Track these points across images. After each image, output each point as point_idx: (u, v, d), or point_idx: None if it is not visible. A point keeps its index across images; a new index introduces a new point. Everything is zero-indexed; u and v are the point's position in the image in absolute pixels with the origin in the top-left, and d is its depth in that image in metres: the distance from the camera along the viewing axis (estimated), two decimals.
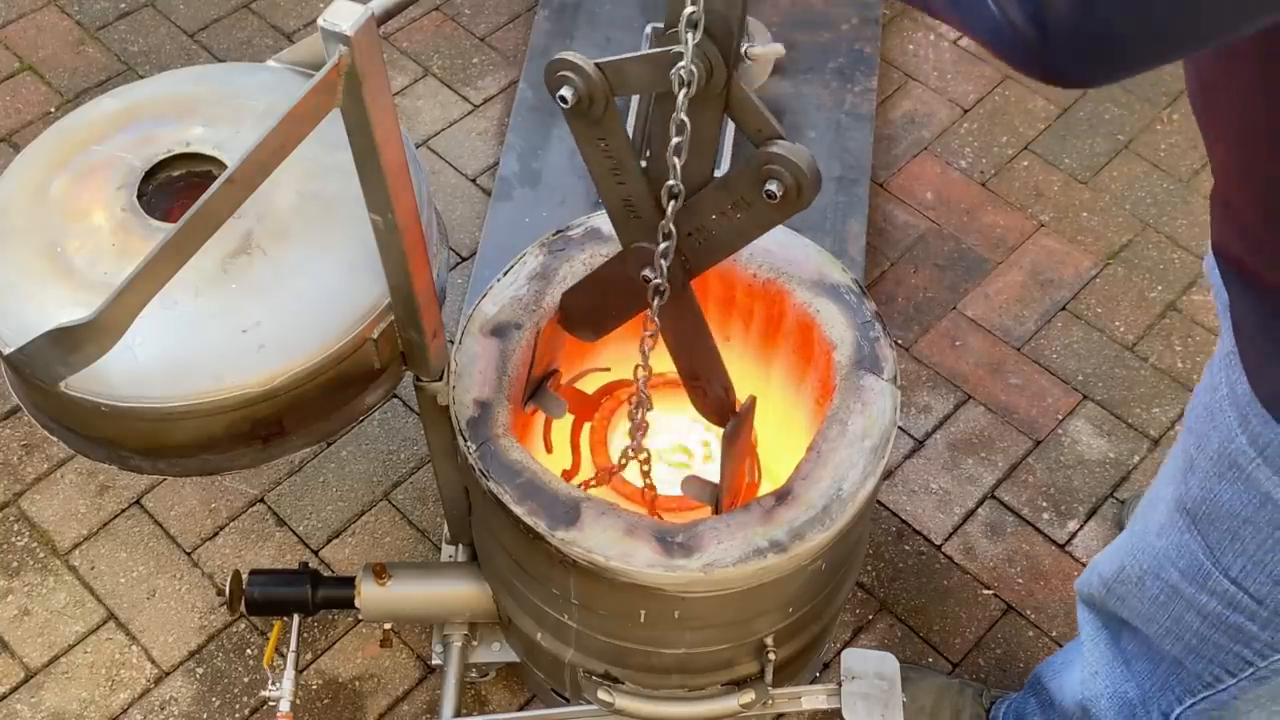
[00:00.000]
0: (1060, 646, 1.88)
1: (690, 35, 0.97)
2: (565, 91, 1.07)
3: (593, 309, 1.34)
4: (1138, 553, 1.29)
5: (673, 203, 1.11)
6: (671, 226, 1.13)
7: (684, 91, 1.01)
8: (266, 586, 1.65)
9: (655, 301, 1.21)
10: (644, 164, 1.14)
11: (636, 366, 1.28)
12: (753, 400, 1.38)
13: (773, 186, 1.04)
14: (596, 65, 1.05)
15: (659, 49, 1.01)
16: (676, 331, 1.27)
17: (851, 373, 1.41)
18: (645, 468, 1.40)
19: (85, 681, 1.90)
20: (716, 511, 1.37)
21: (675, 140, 1.05)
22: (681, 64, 0.99)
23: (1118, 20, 0.69)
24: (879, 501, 2.10)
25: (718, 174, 1.12)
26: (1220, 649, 1.20)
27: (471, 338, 1.44)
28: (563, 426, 1.58)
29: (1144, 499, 1.33)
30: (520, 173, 2.36)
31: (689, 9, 0.96)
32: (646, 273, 1.20)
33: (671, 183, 1.09)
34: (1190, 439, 1.14)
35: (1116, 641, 1.43)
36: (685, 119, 1.03)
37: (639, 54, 1.04)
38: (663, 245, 1.15)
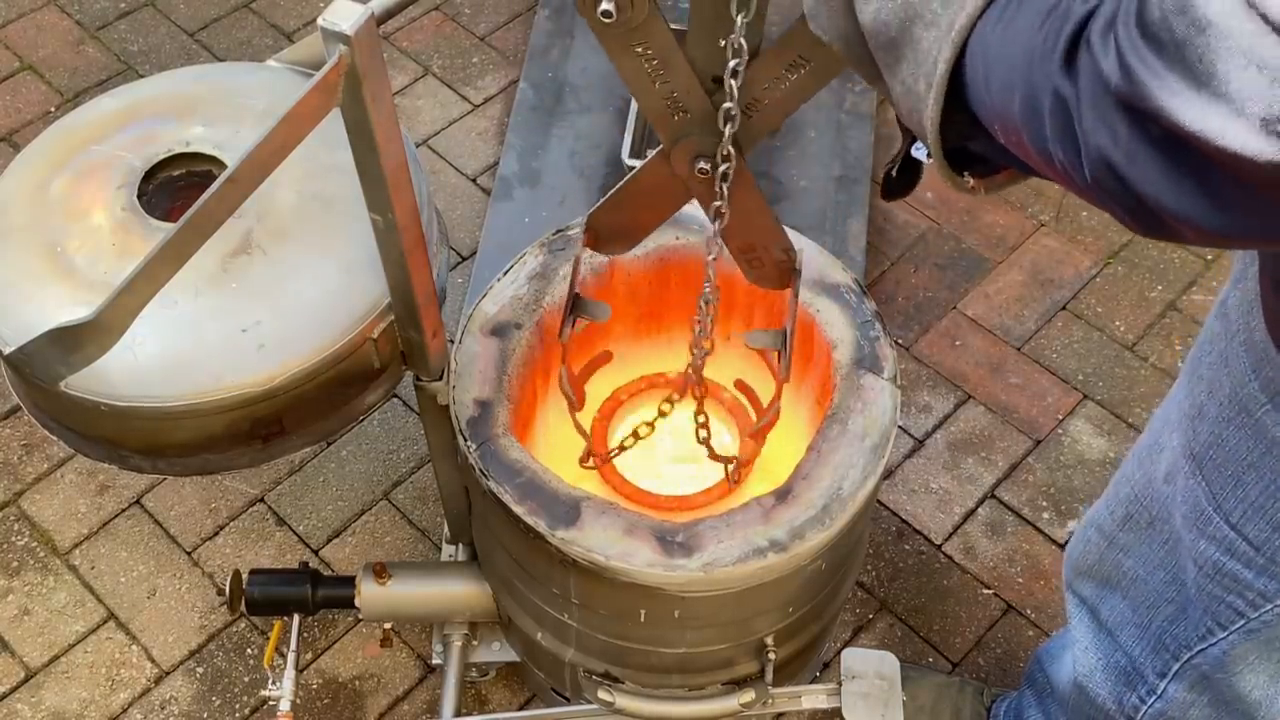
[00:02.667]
0: None
1: None
2: (606, 6, 1.04)
3: (625, 220, 1.33)
4: (1146, 499, 1.29)
5: (735, 61, 1.07)
6: (734, 84, 1.09)
7: None
8: (266, 586, 1.65)
9: (723, 185, 1.18)
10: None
11: (709, 240, 1.24)
12: (800, 253, 1.37)
13: None
14: None
15: None
16: (733, 209, 1.25)
17: (851, 372, 1.41)
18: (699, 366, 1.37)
19: (85, 681, 1.90)
20: (785, 351, 1.36)
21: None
22: None
23: None
24: (879, 501, 2.10)
25: None
26: (1214, 599, 1.21)
27: (471, 337, 1.44)
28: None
29: (1139, 448, 1.33)
30: (520, 172, 2.36)
31: None
32: (702, 165, 1.18)
33: (734, 35, 1.05)
34: (1200, 386, 1.15)
35: (1098, 615, 1.43)
36: None
37: None
38: (727, 105, 1.11)
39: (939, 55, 0.73)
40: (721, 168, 1.18)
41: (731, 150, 1.16)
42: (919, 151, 0.95)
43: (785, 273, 1.36)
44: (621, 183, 1.30)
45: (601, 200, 1.33)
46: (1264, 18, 0.55)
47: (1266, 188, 0.60)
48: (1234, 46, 0.56)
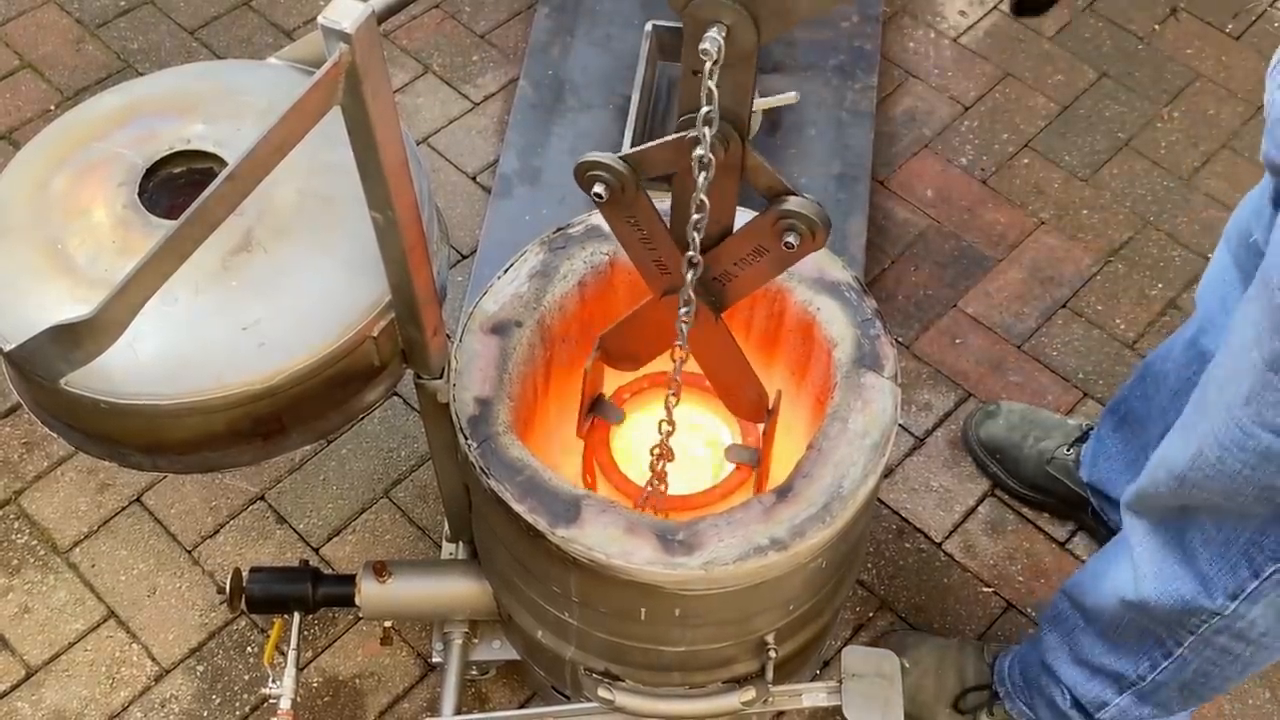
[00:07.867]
0: None
1: (707, 130, 1.06)
2: (598, 188, 1.18)
3: (631, 346, 1.45)
4: (1218, 432, 1.27)
5: (692, 271, 1.20)
6: (691, 293, 1.23)
7: (704, 175, 1.10)
8: (267, 584, 1.65)
9: (683, 328, 1.30)
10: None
11: (670, 384, 1.35)
12: (779, 394, 1.48)
13: (791, 238, 1.17)
14: (622, 158, 1.16)
15: (678, 135, 1.11)
16: (712, 356, 1.39)
17: (852, 370, 1.41)
18: (662, 468, 1.44)
19: (86, 679, 1.90)
20: (758, 472, 1.48)
21: (695, 217, 1.14)
22: (700, 150, 1.08)
23: None
24: (879, 499, 2.10)
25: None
26: None
27: (472, 335, 1.44)
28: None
29: (1205, 387, 1.31)
30: (520, 170, 2.36)
31: (704, 109, 1.04)
32: (684, 316, 1.31)
33: (691, 254, 1.19)
34: (1271, 297, 1.15)
35: (1181, 537, 1.40)
36: (705, 199, 1.12)
37: (660, 141, 1.15)
38: (684, 309, 1.25)
39: None
40: (683, 326, 1.29)
41: (689, 314, 1.27)
42: None
43: (760, 409, 1.46)
44: (628, 313, 1.41)
45: (612, 325, 1.44)
46: None
47: None
48: None
